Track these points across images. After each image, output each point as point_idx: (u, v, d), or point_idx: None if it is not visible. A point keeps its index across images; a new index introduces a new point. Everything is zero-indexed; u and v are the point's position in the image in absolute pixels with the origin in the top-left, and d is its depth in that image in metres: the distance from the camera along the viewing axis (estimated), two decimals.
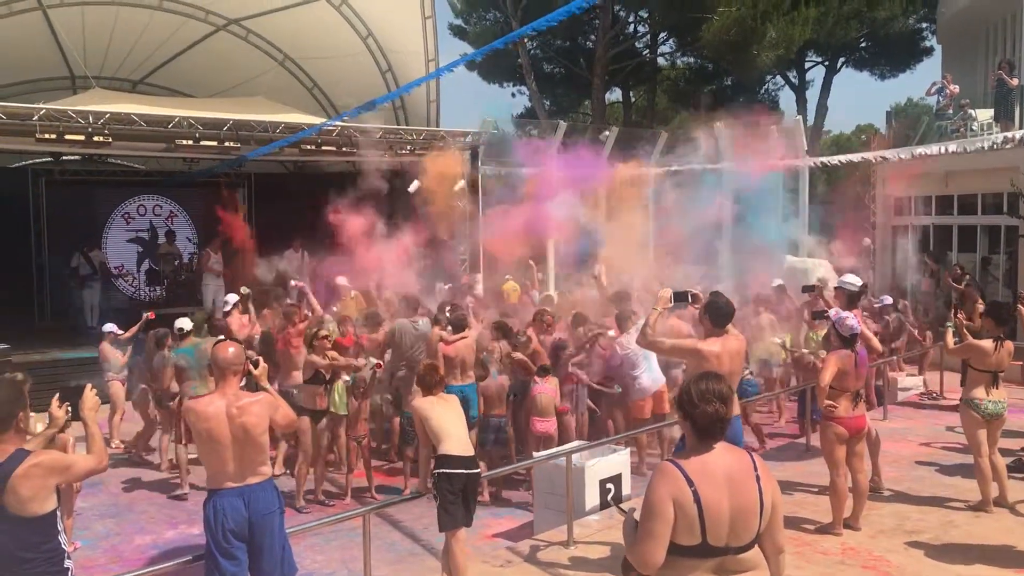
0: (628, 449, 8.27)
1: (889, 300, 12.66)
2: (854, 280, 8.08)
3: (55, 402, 4.45)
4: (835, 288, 8.30)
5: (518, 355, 9.52)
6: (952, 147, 15.36)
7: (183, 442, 9.33)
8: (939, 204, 17.19)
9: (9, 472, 3.88)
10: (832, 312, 7.24)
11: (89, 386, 4.49)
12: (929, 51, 31.19)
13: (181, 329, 9.97)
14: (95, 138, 13.36)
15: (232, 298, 11.72)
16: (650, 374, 9.51)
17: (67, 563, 4.10)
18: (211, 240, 18.19)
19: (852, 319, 7.01)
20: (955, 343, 7.81)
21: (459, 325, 9.79)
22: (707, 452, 3.34)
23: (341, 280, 12.39)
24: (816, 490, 7.97)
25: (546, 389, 9.15)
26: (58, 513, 4.08)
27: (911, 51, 31.63)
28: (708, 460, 3.31)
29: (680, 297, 6.02)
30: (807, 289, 9.09)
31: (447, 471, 5.89)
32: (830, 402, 6.81)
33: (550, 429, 9.11)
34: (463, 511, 5.98)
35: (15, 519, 3.90)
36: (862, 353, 7.01)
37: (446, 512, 5.91)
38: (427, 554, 7.61)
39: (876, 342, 7.58)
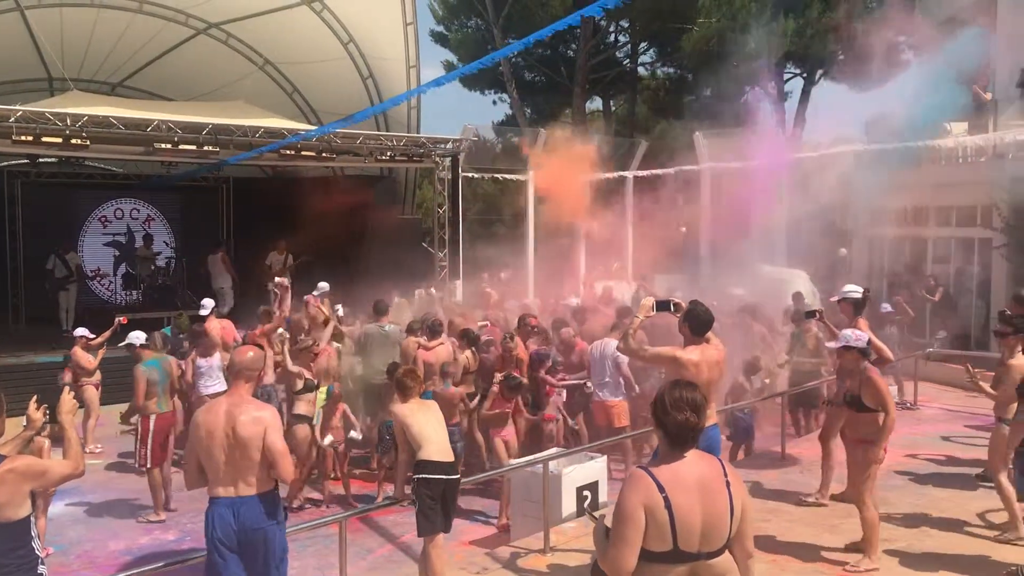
0: (605, 456, 8.28)
1: (890, 308, 12.64)
2: (856, 288, 8.11)
3: (32, 404, 4.41)
4: (839, 301, 8.25)
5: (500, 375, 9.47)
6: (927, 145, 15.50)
7: (150, 465, 8.84)
8: (914, 216, 17.36)
9: None
10: (851, 335, 6.87)
11: (67, 389, 4.47)
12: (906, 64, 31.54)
13: (131, 345, 9.21)
14: (72, 140, 13.29)
15: (208, 303, 11.55)
16: (601, 389, 9.68)
17: (41, 568, 4.07)
18: (216, 246, 18.69)
19: (859, 333, 6.92)
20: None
21: (435, 331, 9.79)
22: (679, 460, 3.37)
23: (322, 286, 12.23)
24: (794, 501, 8.01)
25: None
26: (32, 519, 4.05)
27: (888, 64, 31.95)
28: (680, 468, 3.35)
29: (663, 306, 6.04)
30: (810, 315, 9.17)
31: (427, 476, 5.88)
32: (877, 460, 6.49)
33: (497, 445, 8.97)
34: (442, 517, 5.98)
35: None
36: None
37: (425, 518, 5.91)
38: (404, 560, 7.60)
39: (887, 351, 7.43)
